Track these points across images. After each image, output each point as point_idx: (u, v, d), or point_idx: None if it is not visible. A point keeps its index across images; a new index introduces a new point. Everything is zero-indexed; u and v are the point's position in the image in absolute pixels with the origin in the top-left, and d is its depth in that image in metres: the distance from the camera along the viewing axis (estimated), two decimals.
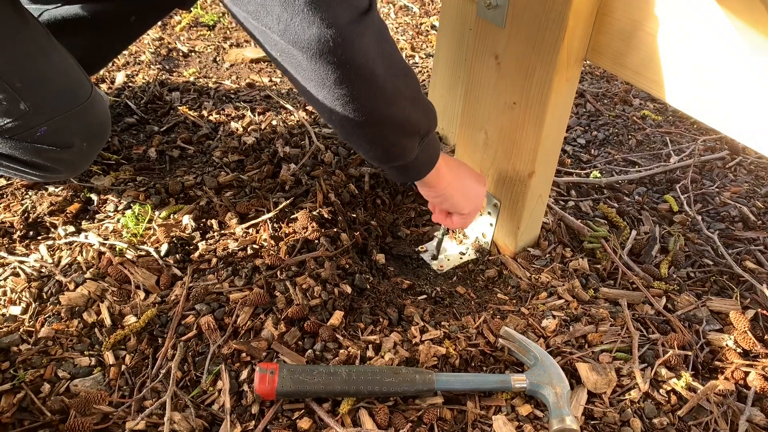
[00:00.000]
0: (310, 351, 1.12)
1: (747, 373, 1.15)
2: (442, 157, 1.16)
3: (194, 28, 2.45)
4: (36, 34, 1.15)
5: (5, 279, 1.22)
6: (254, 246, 1.33)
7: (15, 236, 1.33)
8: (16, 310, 1.16)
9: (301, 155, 1.63)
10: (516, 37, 1.13)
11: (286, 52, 0.85)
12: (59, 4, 1.38)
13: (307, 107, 1.92)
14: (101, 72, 2.00)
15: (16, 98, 1.10)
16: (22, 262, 1.26)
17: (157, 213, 1.41)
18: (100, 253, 1.28)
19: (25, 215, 1.38)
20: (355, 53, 0.84)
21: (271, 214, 1.40)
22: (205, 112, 1.85)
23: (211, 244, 1.33)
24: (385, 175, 1.61)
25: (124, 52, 2.15)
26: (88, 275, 1.23)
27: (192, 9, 2.46)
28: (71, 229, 1.36)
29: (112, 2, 1.41)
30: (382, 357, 1.11)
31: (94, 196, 1.45)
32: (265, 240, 1.34)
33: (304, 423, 1.00)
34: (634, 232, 1.54)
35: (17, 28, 1.11)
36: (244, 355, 1.10)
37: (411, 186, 1.64)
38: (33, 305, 1.17)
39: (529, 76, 1.14)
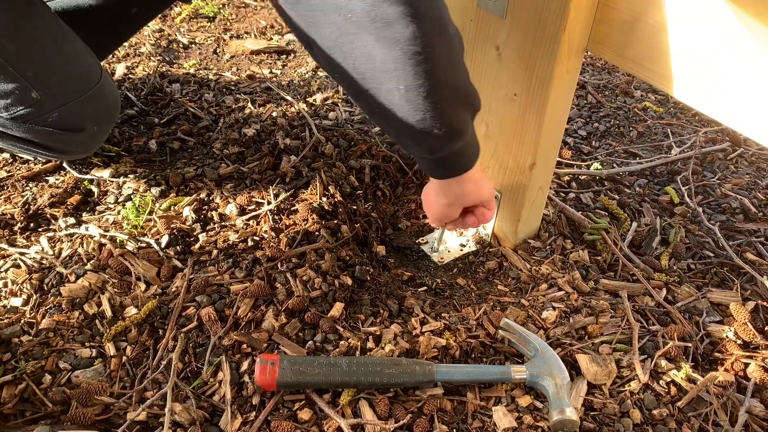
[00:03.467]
0: (310, 342, 1.12)
1: (747, 365, 1.16)
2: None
3: (194, 20, 2.44)
4: (47, 22, 1.16)
5: (6, 271, 1.22)
6: (255, 238, 1.33)
7: (16, 228, 1.33)
8: (17, 302, 1.16)
9: (302, 147, 1.63)
10: (517, 27, 1.12)
11: (362, 2, 0.79)
12: None
13: (308, 98, 1.92)
14: (102, 63, 1.99)
15: (28, 87, 1.12)
16: (23, 254, 1.26)
17: (157, 205, 1.41)
18: (101, 245, 1.28)
19: (26, 207, 1.38)
20: (432, 4, 0.82)
21: (271, 206, 1.40)
22: (205, 104, 1.85)
23: (211, 236, 1.33)
24: (386, 167, 1.61)
25: (125, 43, 2.14)
26: (88, 267, 1.23)
27: (192, 1, 2.45)
28: (72, 220, 1.36)
29: None
30: (383, 348, 1.11)
31: (94, 188, 1.45)
32: (265, 232, 1.34)
33: (305, 414, 1.00)
34: (634, 224, 1.54)
35: (28, 17, 1.12)
36: (244, 346, 1.10)
37: (409, 178, 1.64)
38: (34, 297, 1.17)
39: (530, 67, 1.13)
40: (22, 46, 1.11)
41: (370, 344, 1.13)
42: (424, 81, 0.86)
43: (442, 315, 1.24)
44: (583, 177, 1.73)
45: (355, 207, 1.48)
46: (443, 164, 1.06)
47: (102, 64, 1.98)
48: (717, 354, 1.19)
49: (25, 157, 1.51)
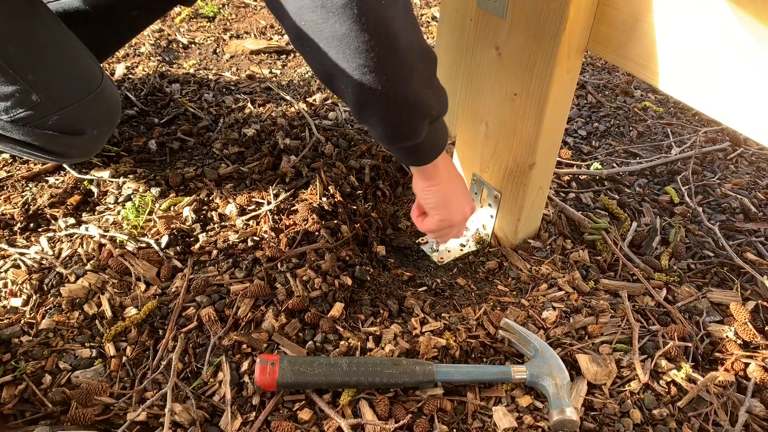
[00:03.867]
0: (310, 342, 1.12)
1: (747, 365, 1.16)
2: (447, 158, 1.15)
3: (194, 20, 2.44)
4: (48, 25, 1.16)
5: (6, 271, 1.22)
6: (255, 238, 1.33)
7: (16, 228, 1.33)
8: (17, 302, 1.16)
9: (302, 147, 1.63)
10: (517, 27, 1.12)
11: (315, 14, 0.83)
12: None
13: (308, 98, 1.92)
14: (101, 64, 1.99)
15: (29, 90, 1.11)
16: (22, 254, 1.26)
17: (157, 205, 1.41)
18: (101, 245, 1.28)
19: (26, 207, 1.38)
20: (383, 18, 0.84)
21: (271, 206, 1.40)
22: (205, 104, 1.85)
23: (211, 236, 1.33)
24: (385, 167, 1.61)
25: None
26: (88, 267, 1.23)
27: (193, 3, 2.45)
28: (72, 221, 1.36)
29: None
30: (383, 348, 1.11)
31: (94, 188, 1.45)
32: (265, 232, 1.34)
33: (305, 414, 1.00)
34: (634, 224, 1.54)
35: (29, 20, 1.12)
36: (244, 346, 1.10)
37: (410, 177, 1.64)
38: (34, 297, 1.17)
39: (530, 67, 1.13)
40: (22, 48, 1.11)
41: (370, 344, 1.12)
42: (370, 88, 0.91)
43: (442, 315, 1.24)
44: (583, 177, 1.73)
45: (355, 207, 1.48)
46: (397, 153, 1.11)
47: (102, 65, 1.98)
48: (717, 354, 1.19)
49: (22, 156, 1.51)
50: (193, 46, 2.26)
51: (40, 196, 1.41)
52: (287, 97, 1.92)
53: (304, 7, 0.83)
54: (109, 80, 1.26)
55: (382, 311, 1.22)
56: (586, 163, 1.81)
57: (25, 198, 1.40)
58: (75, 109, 1.19)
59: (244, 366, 1.07)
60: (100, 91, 1.22)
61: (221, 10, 2.51)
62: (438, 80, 1.02)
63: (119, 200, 1.43)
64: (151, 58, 2.11)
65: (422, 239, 1.50)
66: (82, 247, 1.28)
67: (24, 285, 1.19)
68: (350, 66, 0.88)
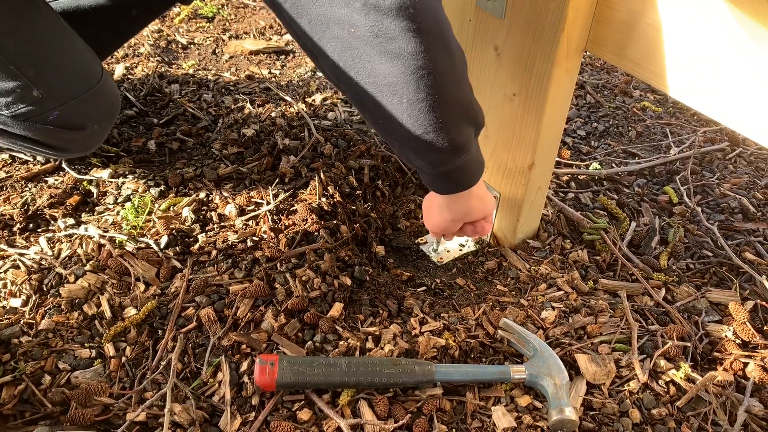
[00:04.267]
0: (309, 342, 1.12)
1: (746, 364, 1.16)
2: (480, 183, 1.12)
3: (193, 20, 2.44)
4: (48, 21, 1.17)
5: (5, 271, 1.22)
6: (254, 238, 1.33)
7: (15, 228, 1.33)
8: (16, 303, 1.16)
9: (301, 147, 1.63)
10: (515, 27, 1.13)
11: (367, 22, 0.79)
12: None
13: (307, 99, 1.92)
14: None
15: (30, 85, 1.12)
16: (22, 255, 1.26)
17: (156, 205, 1.41)
18: (100, 246, 1.28)
19: (25, 208, 1.38)
20: (437, 17, 0.82)
21: (270, 206, 1.40)
22: (204, 104, 1.85)
23: (210, 237, 1.33)
24: (385, 167, 1.61)
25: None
26: (88, 267, 1.23)
27: (191, 2, 2.45)
28: (71, 221, 1.36)
29: None
30: (382, 348, 1.11)
31: (93, 189, 1.45)
32: (264, 232, 1.34)
33: (304, 414, 1.00)
34: (633, 224, 1.54)
35: (30, 16, 1.13)
36: (244, 346, 1.10)
37: (408, 178, 1.64)
38: (33, 297, 1.17)
39: (528, 67, 1.14)
40: (23, 44, 1.12)
41: (369, 344, 1.13)
42: (426, 95, 0.87)
43: (442, 315, 1.24)
44: (582, 177, 1.73)
45: (354, 207, 1.48)
46: (447, 179, 1.06)
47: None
48: (716, 353, 1.19)
49: (24, 156, 1.51)
50: (192, 46, 2.26)
51: (40, 197, 1.41)
52: (286, 98, 1.92)
53: (355, 11, 0.80)
54: (108, 76, 1.27)
55: (381, 311, 1.22)
56: (585, 163, 1.82)
57: (25, 198, 1.40)
58: (75, 105, 1.20)
59: (244, 366, 1.07)
60: (100, 87, 1.23)
61: (220, 11, 2.51)
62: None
63: (118, 201, 1.43)
64: (151, 58, 2.11)
65: (421, 239, 1.51)
66: (82, 248, 1.28)
67: (23, 285, 1.19)
68: (408, 69, 0.84)
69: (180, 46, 2.24)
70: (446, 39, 0.86)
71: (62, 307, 1.16)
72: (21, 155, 1.45)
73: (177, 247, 1.30)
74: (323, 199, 1.43)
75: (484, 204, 1.18)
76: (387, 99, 0.88)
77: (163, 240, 1.30)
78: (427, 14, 0.81)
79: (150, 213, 1.39)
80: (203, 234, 1.34)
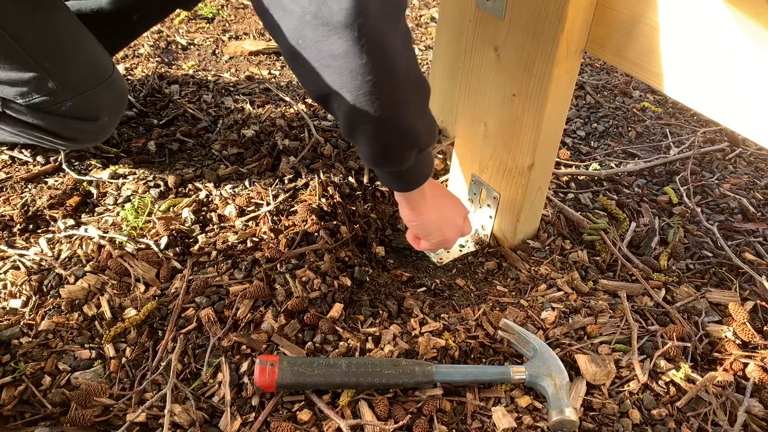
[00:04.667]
0: (309, 343, 1.12)
1: (746, 365, 1.16)
2: (432, 183, 1.16)
3: (193, 21, 2.44)
4: (64, 15, 1.21)
5: (5, 272, 1.22)
6: (254, 239, 1.33)
7: (15, 229, 1.33)
8: (16, 303, 1.16)
9: (301, 148, 1.63)
10: (515, 28, 1.13)
11: (315, 33, 0.83)
12: None
13: (306, 99, 1.92)
14: None
15: (45, 77, 1.16)
16: (22, 256, 1.26)
17: (156, 206, 1.41)
18: (100, 246, 1.28)
19: (25, 208, 1.38)
20: (383, 42, 0.84)
21: (270, 207, 1.40)
22: (204, 105, 1.85)
23: (210, 237, 1.33)
24: None
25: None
26: (88, 268, 1.23)
27: (193, 7, 2.45)
28: (71, 222, 1.36)
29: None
30: (382, 349, 1.11)
31: (93, 189, 1.45)
32: (264, 233, 1.34)
33: (304, 415, 1.00)
34: (633, 224, 1.54)
35: (46, 8, 1.17)
36: (244, 347, 1.10)
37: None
38: (33, 298, 1.17)
39: (528, 67, 1.14)
40: (40, 36, 1.15)
41: (369, 345, 1.13)
42: (360, 110, 0.91)
43: (442, 316, 1.24)
44: (581, 177, 1.73)
45: (354, 208, 1.48)
46: (382, 176, 1.12)
47: None
48: (716, 354, 1.19)
49: (24, 156, 1.51)
50: (192, 47, 2.26)
51: (39, 198, 1.41)
52: (286, 98, 1.92)
53: (305, 24, 0.83)
54: (118, 71, 1.31)
55: (381, 312, 1.22)
56: (584, 163, 1.82)
57: (25, 199, 1.40)
58: (89, 96, 1.24)
59: (244, 367, 1.07)
60: (111, 80, 1.28)
61: (220, 12, 2.51)
62: (430, 111, 1.03)
63: (118, 201, 1.43)
64: (150, 59, 2.11)
65: None
66: (82, 249, 1.28)
67: (23, 286, 1.19)
68: (346, 86, 0.88)
69: (180, 46, 2.24)
70: (390, 62, 0.87)
71: (62, 307, 1.16)
72: (29, 143, 1.45)
73: (177, 248, 1.30)
74: (323, 200, 1.43)
75: (437, 231, 1.22)
76: (330, 106, 0.95)
77: (163, 241, 1.30)
78: (372, 35, 0.82)
79: (150, 214, 1.39)
80: (203, 235, 1.34)
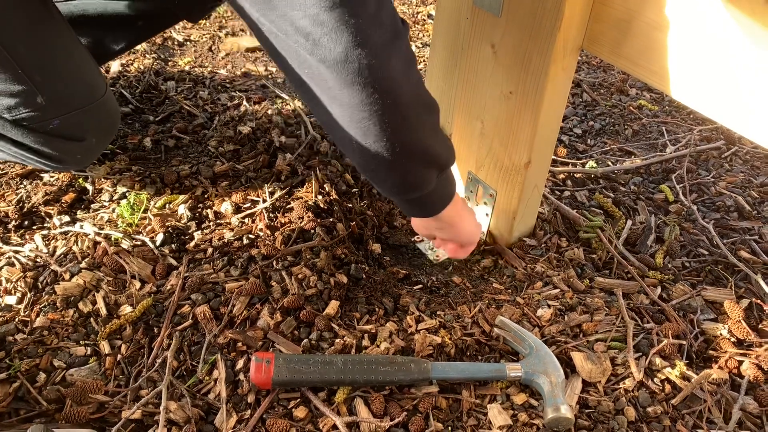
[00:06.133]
0: (305, 340, 1.12)
1: (741, 362, 1.16)
2: (456, 202, 1.16)
3: None
4: (60, 28, 1.17)
5: (0, 269, 1.22)
6: (250, 236, 1.33)
7: (10, 226, 1.33)
8: (11, 300, 1.16)
9: (297, 145, 1.62)
10: (512, 25, 1.13)
11: (314, 70, 0.84)
12: None
13: None
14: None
15: (35, 91, 1.11)
16: (17, 252, 1.26)
17: (152, 203, 1.41)
18: (96, 243, 1.28)
19: (20, 205, 1.37)
20: (381, 75, 0.84)
21: (266, 204, 1.40)
22: (200, 102, 1.84)
23: (206, 234, 1.33)
24: None
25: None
26: (83, 265, 1.23)
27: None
28: (66, 218, 1.35)
29: (121, 4, 1.40)
30: (378, 346, 1.11)
31: (89, 186, 1.45)
32: (260, 230, 1.34)
33: (300, 412, 1.00)
34: (629, 222, 1.54)
35: (43, 22, 1.12)
36: (239, 344, 1.10)
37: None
38: (28, 295, 1.17)
39: (525, 65, 1.14)
40: (33, 49, 1.11)
41: (365, 342, 1.13)
42: (373, 141, 0.91)
43: (438, 313, 1.24)
44: (578, 175, 1.73)
45: (350, 205, 1.48)
46: (404, 205, 1.12)
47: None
48: (711, 352, 1.20)
49: (13, 160, 1.49)
50: (188, 43, 2.25)
51: (35, 194, 1.40)
52: (283, 95, 1.91)
53: (302, 62, 0.84)
54: (111, 92, 1.26)
55: (377, 309, 1.22)
56: (581, 161, 1.82)
57: (20, 196, 1.40)
58: (77, 115, 1.18)
59: (240, 364, 1.07)
60: (103, 101, 1.22)
61: (217, 8, 2.50)
62: (443, 131, 1.03)
63: (114, 198, 1.42)
64: (147, 55, 2.10)
65: (417, 237, 1.51)
66: (77, 245, 1.28)
67: (18, 283, 1.19)
68: (353, 121, 0.88)
69: (176, 43, 2.24)
70: (395, 94, 0.87)
71: (57, 304, 1.15)
72: (13, 161, 1.44)
73: (173, 245, 1.30)
74: (319, 197, 1.43)
75: (457, 231, 1.22)
76: (338, 140, 0.95)
77: (159, 237, 1.30)
78: (372, 67, 0.82)
79: (146, 210, 1.38)
80: (199, 231, 1.34)
